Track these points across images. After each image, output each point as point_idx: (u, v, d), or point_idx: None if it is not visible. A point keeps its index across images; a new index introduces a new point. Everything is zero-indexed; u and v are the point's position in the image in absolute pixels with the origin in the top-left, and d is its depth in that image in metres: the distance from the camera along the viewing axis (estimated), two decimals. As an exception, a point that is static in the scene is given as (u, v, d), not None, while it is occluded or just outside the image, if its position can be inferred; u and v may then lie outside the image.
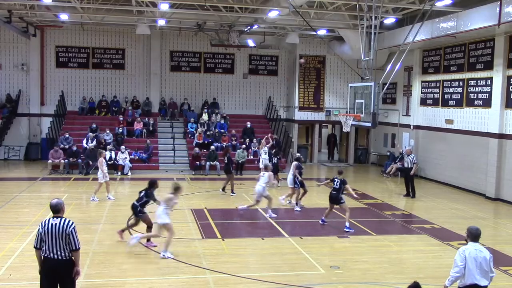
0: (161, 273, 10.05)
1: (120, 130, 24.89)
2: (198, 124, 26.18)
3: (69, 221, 7.19)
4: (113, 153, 22.87)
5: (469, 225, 7.37)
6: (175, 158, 24.50)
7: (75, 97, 26.85)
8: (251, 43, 26.98)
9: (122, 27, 25.67)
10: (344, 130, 18.71)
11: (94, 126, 24.63)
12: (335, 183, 13.84)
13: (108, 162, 22.39)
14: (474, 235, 7.03)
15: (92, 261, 10.64)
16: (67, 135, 23.80)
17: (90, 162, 21.81)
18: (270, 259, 11.20)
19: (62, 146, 23.11)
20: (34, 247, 7.14)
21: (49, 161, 22.41)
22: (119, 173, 22.40)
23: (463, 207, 17.53)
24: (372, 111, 15.72)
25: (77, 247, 7.14)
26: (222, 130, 26.00)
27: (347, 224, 13.60)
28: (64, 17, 22.60)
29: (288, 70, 29.15)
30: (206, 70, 28.52)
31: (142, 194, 11.88)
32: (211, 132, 25.76)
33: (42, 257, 7.10)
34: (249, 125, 26.34)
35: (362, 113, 16.50)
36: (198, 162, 23.37)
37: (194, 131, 25.50)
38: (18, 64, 26.35)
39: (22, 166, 24.44)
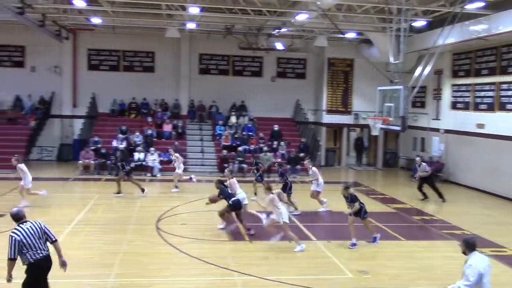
0: (189, 274, 10.18)
1: (150, 132, 25.25)
2: (226, 127, 26.37)
3: (36, 220, 7.57)
4: (142, 154, 23.21)
5: (464, 237, 7.27)
6: (204, 160, 24.72)
7: (106, 99, 27.30)
8: (279, 46, 27.04)
9: (152, 30, 26.03)
10: (372, 133, 18.61)
11: (124, 128, 25.04)
12: (347, 199, 12.59)
13: (138, 163, 22.83)
14: (472, 245, 6.84)
15: (121, 260, 10.85)
16: (96, 138, 24.23)
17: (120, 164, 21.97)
18: (298, 262, 11.22)
19: (92, 147, 23.55)
20: (10, 258, 7.14)
21: (80, 161, 22.87)
22: (149, 175, 22.72)
23: (494, 213, 17.22)
24: (401, 114, 15.61)
25: (55, 239, 7.59)
26: (250, 133, 26.12)
27: (376, 235, 12.91)
28: (96, 20, 23.07)
29: (316, 73, 29.11)
30: (235, 73, 28.70)
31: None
32: (239, 134, 25.89)
33: (30, 262, 7.23)
34: (276, 128, 26.38)
35: (391, 117, 16.39)
36: (226, 164, 23.50)
37: (222, 134, 25.69)
38: (51, 67, 26.97)
39: (55, 166, 24.98)
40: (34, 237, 7.28)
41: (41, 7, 20.46)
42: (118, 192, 17.83)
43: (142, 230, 13.34)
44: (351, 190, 12.70)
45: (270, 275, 10.14)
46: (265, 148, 24.39)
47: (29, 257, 7.23)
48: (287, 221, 11.90)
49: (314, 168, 16.48)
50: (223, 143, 25.01)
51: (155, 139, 25.19)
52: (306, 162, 17.34)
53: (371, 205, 16.21)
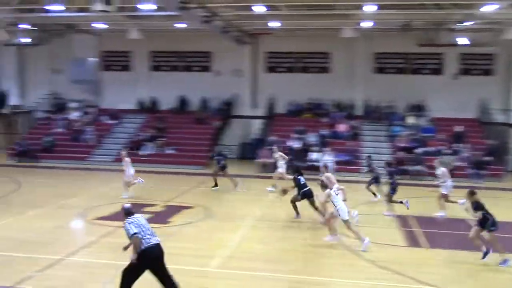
0: (361, 277, 9.93)
1: (325, 132, 25.42)
2: (403, 127, 25.36)
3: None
4: (317, 154, 23.45)
5: None
6: (379, 161, 24.03)
7: (283, 100, 28.17)
8: (462, 41, 25.14)
9: (327, 31, 26.15)
10: None
11: (300, 128, 25.56)
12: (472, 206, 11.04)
13: (313, 163, 23.11)
14: None
15: (296, 258, 11.06)
16: (273, 138, 25.08)
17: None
18: (485, 275, 10.26)
19: (269, 147, 24.45)
20: (133, 234, 7.83)
21: (259, 160, 23.94)
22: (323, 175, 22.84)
23: None
24: None
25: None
26: (429, 134, 24.74)
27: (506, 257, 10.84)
28: (274, 24, 23.94)
29: (506, 69, 26.45)
30: (412, 71, 27.48)
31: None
32: (417, 136, 24.71)
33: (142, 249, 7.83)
34: (459, 129, 24.58)
35: None
36: (402, 166, 22.62)
37: (398, 135, 24.76)
38: (233, 70, 28.74)
39: (237, 164, 26.46)
40: (145, 226, 8.00)
41: (226, 14, 21.85)
42: (215, 186, 18.86)
43: (318, 229, 13.44)
44: (477, 196, 11.02)
45: (451, 285, 9.42)
46: (446, 151, 22.89)
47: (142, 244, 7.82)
48: (346, 218, 11.61)
49: (443, 169, 15.43)
50: (400, 144, 24.10)
51: (329, 139, 25.26)
52: (435, 161, 16.63)
53: None
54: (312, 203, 13.98)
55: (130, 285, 8.04)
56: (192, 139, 26.17)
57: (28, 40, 28.38)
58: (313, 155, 23.67)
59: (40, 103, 30.34)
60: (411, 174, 22.49)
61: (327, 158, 23.06)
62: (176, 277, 9.68)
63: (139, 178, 17.25)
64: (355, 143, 24.71)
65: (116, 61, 30.57)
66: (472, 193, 11.01)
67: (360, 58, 27.57)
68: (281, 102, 28.25)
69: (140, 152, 25.17)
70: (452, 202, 14.93)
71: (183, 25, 24.66)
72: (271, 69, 28.85)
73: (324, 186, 12.23)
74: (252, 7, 19.77)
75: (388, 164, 17.02)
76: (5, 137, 31.09)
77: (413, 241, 12.63)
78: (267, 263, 10.65)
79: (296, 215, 14.47)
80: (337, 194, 11.84)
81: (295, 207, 14.45)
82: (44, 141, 26.31)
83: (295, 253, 11.38)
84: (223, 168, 19.10)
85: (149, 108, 29.15)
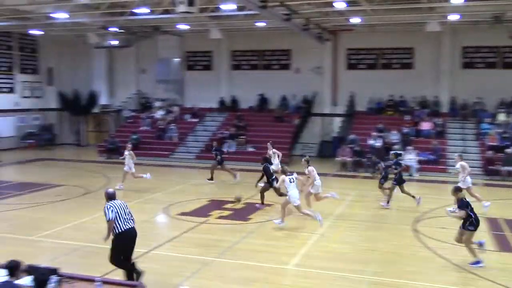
0: (446, 281, 9.53)
1: (407, 130, 24.63)
2: (493, 125, 24.01)
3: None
4: (400, 153, 22.74)
5: None
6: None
7: (363, 97, 27.61)
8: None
9: (411, 26, 25.29)
10: None
11: (381, 126, 24.94)
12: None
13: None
14: None
15: (377, 258, 10.81)
16: (353, 136, 24.66)
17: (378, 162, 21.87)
18: None
19: (350, 145, 24.08)
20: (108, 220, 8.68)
21: (338, 158, 23.63)
22: (406, 174, 22.09)
23: None
24: None
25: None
26: (522, 132, 23.26)
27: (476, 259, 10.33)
28: (355, 20, 23.50)
29: None
30: (504, 66, 25.93)
31: None
32: (508, 134, 23.30)
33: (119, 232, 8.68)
34: (555, 126, 22.95)
35: None
36: (492, 166, 21.44)
37: (488, 133, 23.48)
38: (313, 68, 28.55)
39: (316, 162, 26.23)
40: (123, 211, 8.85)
41: (305, 12, 21.75)
42: (211, 179, 19.59)
43: (399, 230, 13.07)
44: (461, 194, 10.59)
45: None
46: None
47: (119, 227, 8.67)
48: (296, 204, 13.04)
49: (462, 163, 15.39)
50: (489, 143, 22.85)
51: (413, 137, 24.43)
52: (456, 155, 16.47)
53: None
54: (275, 189, 15.09)
55: (122, 264, 8.85)
56: (271, 137, 26.16)
57: (117, 42, 29.82)
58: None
59: (127, 102, 31.80)
60: (502, 174, 21.28)
61: (410, 157, 22.34)
62: (255, 274, 9.83)
63: (148, 173, 18.27)
64: (440, 141, 23.72)
65: (198, 60, 31.37)
66: (456, 190, 10.67)
67: (446, 53, 26.42)
68: (361, 100, 27.70)
69: (221, 150, 25.60)
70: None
71: (263, 24, 24.84)
72: (352, 66, 28.37)
73: (283, 171, 13.47)
74: (333, 3, 19.52)
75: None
76: (96, 134, 32.92)
77: (504, 246, 11.94)
78: (346, 263, 10.49)
79: (260, 204, 15.56)
80: (291, 182, 13.05)
81: (262, 196, 15.62)
82: (131, 139, 27.50)
83: (375, 254, 11.12)
84: (220, 162, 20.00)
85: (229, 107, 29.66)
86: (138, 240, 11.01)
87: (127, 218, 8.85)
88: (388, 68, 27.65)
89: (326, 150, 27.32)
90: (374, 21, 24.27)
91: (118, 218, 8.73)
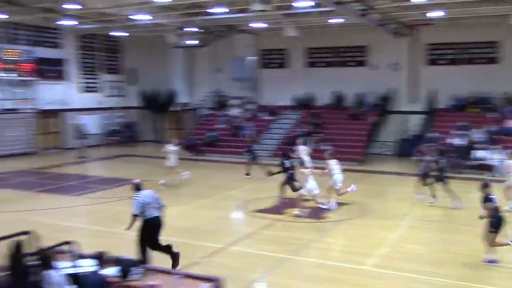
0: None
1: (492, 128, 23.42)
2: None
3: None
4: (483, 152, 21.74)
5: None
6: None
7: (444, 94, 26.58)
8: None
9: (496, 18, 24.01)
10: None
11: (462, 124, 23.88)
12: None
13: (479, 162, 21.52)
14: None
15: (457, 262, 10.39)
16: (432, 134, 23.79)
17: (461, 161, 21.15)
18: None
19: (430, 144, 23.23)
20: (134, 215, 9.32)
21: (417, 157, 22.87)
22: (489, 174, 21.08)
23: None
24: None
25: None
26: None
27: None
28: (436, 14, 22.66)
29: None
30: None
31: None
32: None
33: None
34: None
35: None
36: None
37: None
38: (389, 64, 27.83)
39: (394, 161, 25.67)
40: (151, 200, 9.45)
41: (382, 7, 21.27)
42: (247, 174, 20.20)
43: (477, 232, 12.49)
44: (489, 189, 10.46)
45: None
46: None
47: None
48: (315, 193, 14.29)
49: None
50: None
51: (498, 136, 23.21)
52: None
53: None
54: (292, 186, 15.28)
55: (145, 249, 9.47)
56: (347, 135, 25.98)
57: (194, 42, 30.56)
58: (478, 153, 21.98)
59: (204, 100, 32.56)
60: None
61: (496, 156, 21.24)
62: (329, 273, 9.79)
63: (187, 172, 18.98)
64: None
65: (273, 58, 31.55)
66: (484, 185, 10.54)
67: (537, 46, 24.88)
68: (442, 97, 26.66)
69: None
70: None
71: (339, 20, 24.55)
72: (432, 62, 27.36)
73: (302, 164, 15.16)
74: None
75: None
76: (174, 132, 33.99)
77: None
78: (425, 265, 10.18)
79: (279, 197, 15.72)
80: (310, 175, 14.19)
81: (282, 189, 15.66)
82: (208, 136, 28.17)
83: (456, 257, 10.69)
84: (254, 158, 20.92)
85: (305, 105, 29.59)
86: (215, 236, 11.30)
87: (153, 207, 9.41)
88: (471, 63, 26.42)
89: (404, 149, 26.55)
90: (455, 15, 23.26)
91: (144, 207, 9.31)
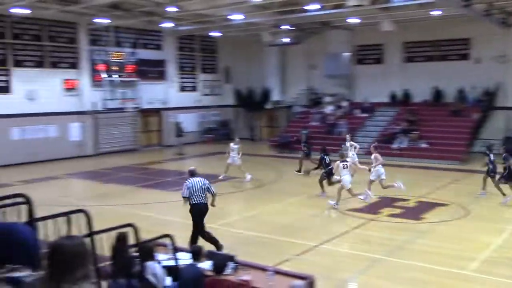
0: None
1: None
2: None
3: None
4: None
5: None
6: None
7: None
8: None
9: None
10: None
11: None
12: None
13: None
14: None
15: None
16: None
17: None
18: None
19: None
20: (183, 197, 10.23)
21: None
22: None
23: None
24: None
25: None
26: None
27: None
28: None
29: None
30: None
31: None
32: None
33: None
34: None
35: None
36: None
37: None
38: (495, 57, 26.12)
39: (498, 160, 24.06)
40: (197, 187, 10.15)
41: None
42: (299, 171, 20.08)
43: None
44: None
45: None
46: None
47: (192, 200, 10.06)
48: (348, 187, 14.55)
49: None
50: None
51: None
52: None
53: None
54: (330, 180, 15.94)
55: (196, 236, 10.09)
56: (447, 132, 24.75)
57: (288, 39, 30.62)
58: None
59: (298, 98, 32.55)
60: None
61: None
62: (427, 276, 9.39)
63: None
64: None
65: (368, 54, 30.82)
66: None
67: None
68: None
69: (392, 146, 24.91)
70: None
71: (439, 12, 23.45)
72: (544, 53, 25.38)
73: (341, 157, 15.12)
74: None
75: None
76: (268, 130, 34.33)
77: None
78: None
79: (321, 193, 16.02)
80: (344, 168, 14.48)
81: (321, 185, 16.11)
82: (301, 134, 28.08)
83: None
84: (308, 154, 21.08)
85: (401, 101, 28.61)
86: (307, 234, 11.28)
87: (198, 194, 10.08)
88: None
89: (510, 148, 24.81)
90: None
91: (191, 193, 10.07)
